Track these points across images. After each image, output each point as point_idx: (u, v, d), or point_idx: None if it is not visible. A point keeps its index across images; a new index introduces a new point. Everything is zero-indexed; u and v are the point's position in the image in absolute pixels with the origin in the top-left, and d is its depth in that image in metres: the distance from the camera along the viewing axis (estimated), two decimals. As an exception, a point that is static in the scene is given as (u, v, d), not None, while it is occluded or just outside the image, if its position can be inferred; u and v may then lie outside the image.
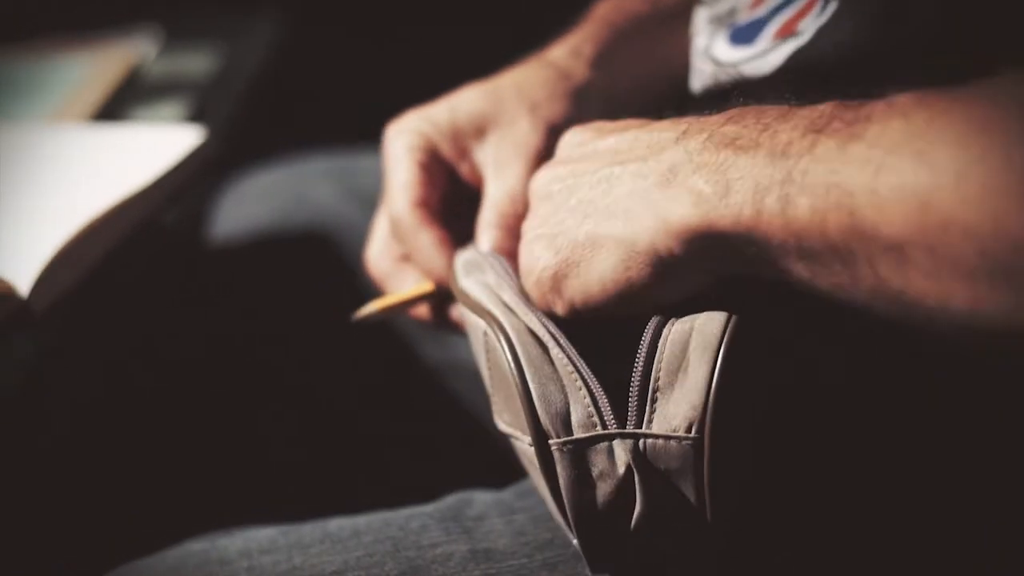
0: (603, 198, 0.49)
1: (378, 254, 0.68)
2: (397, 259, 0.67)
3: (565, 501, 0.47)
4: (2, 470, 0.68)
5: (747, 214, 0.42)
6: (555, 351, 0.48)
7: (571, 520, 0.48)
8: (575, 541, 0.49)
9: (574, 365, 0.48)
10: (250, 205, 0.89)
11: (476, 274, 0.57)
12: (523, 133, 0.65)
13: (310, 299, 0.84)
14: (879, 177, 0.38)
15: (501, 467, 0.80)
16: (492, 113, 0.66)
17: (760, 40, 0.59)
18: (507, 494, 0.61)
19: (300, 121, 1.23)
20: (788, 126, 0.43)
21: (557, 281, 0.51)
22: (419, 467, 0.83)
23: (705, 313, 0.47)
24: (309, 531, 0.59)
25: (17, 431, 0.69)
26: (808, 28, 0.56)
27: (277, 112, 1.11)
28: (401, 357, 0.83)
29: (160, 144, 0.79)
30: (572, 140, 0.57)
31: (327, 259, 0.85)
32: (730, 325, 0.46)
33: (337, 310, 0.83)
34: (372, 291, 0.83)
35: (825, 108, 0.42)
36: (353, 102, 1.32)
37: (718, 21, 0.64)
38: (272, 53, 1.07)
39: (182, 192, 0.79)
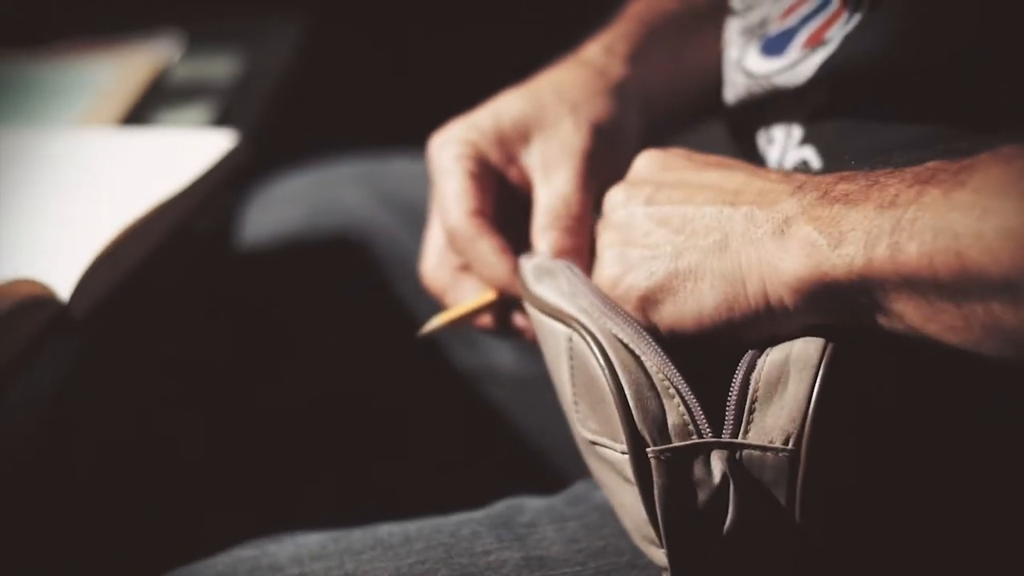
0: (711, 234, 0.50)
1: (434, 267, 0.68)
2: (454, 270, 0.67)
3: (658, 509, 0.47)
4: (42, 477, 0.67)
5: (859, 263, 0.44)
6: (646, 359, 0.49)
7: (662, 528, 0.48)
8: (663, 551, 0.48)
9: (665, 373, 0.48)
10: (279, 210, 0.89)
11: (548, 280, 0.57)
12: (567, 134, 0.65)
13: (344, 304, 0.84)
14: (984, 220, 0.40)
15: (543, 473, 0.80)
16: (535, 116, 0.66)
17: (790, 50, 0.59)
18: (557, 501, 0.61)
19: (322, 125, 1.22)
20: (895, 180, 0.44)
21: (645, 303, 0.52)
22: (461, 473, 0.82)
23: (802, 339, 0.47)
24: (360, 537, 0.58)
25: (56, 435, 0.69)
26: (836, 36, 0.56)
27: (299, 116, 1.10)
28: (435, 363, 0.82)
29: (194, 148, 0.79)
30: (656, 162, 0.57)
31: (360, 264, 0.84)
32: (829, 346, 0.47)
33: (371, 315, 0.84)
34: (407, 294, 0.83)
35: (930, 164, 0.44)
36: (375, 105, 1.32)
37: (750, 32, 0.64)
38: (294, 57, 1.07)
39: (214, 197, 0.79)
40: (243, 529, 0.65)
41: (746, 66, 0.62)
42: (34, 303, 0.64)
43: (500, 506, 0.61)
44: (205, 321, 0.85)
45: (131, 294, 0.72)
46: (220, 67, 1.03)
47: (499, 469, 0.82)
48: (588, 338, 0.50)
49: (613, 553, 0.57)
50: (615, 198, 0.56)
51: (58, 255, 0.67)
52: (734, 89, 0.64)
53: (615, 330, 0.50)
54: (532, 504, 0.60)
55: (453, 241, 0.64)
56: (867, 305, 0.45)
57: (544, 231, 0.63)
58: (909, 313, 0.43)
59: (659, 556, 0.50)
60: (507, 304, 0.65)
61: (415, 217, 0.86)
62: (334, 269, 0.85)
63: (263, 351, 0.84)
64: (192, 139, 0.82)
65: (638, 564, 0.56)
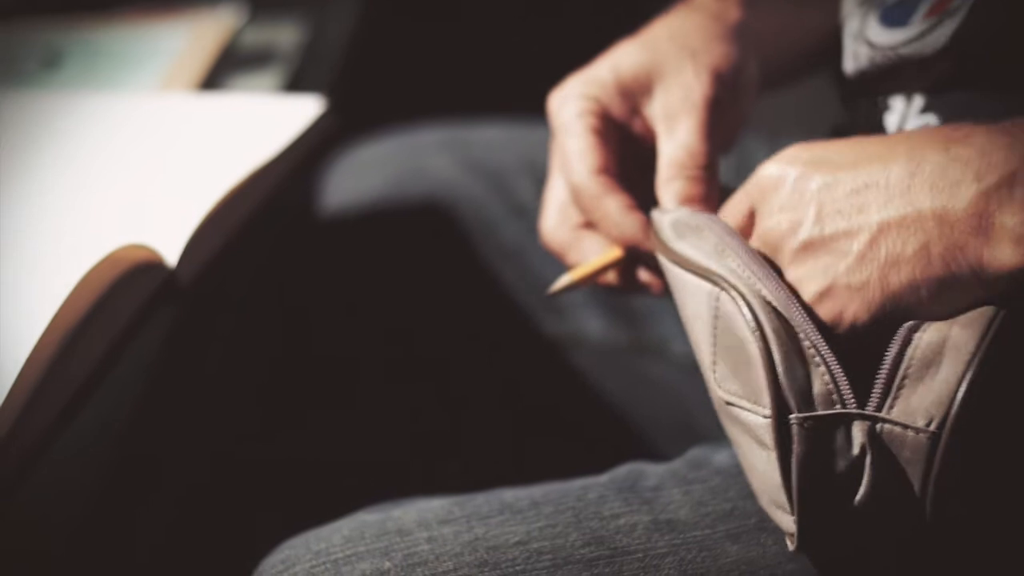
0: (907, 233, 0.48)
1: (555, 225, 0.66)
2: (575, 227, 0.65)
3: (794, 476, 0.47)
4: (158, 442, 0.68)
5: None
6: (794, 325, 0.49)
7: (795, 495, 0.48)
8: (791, 517, 0.49)
9: (812, 340, 0.48)
10: (362, 177, 0.89)
11: (692, 236, 0.56)
12: (688, 83, 0.63)
13: (429, 272, 0.84)
14: None
15: (632, 440, 0.80)
16: (654, 66, 0.64)
17: (915, 20, 0.58)
18: (679, 465, 0.61)
19: (400, 91, 1.22)
20: None
21: (877, 318, 0.49)
22: (548, 439, 0.82)
23: (964, 317, 0.47)
24: (484, 502, 0.58)
25: (165, 398, 0.69)
26: (962, 6, 0.56)
27: (373, 82, 1.09)
28: (522, 330, 0.82)
29: (284, 114, 0.78)
30: (802, 151, 0.54)
31: (445, 231, 0.84)
32: (990, 332, 0.46)
33: (457, 282, 0.84)
34: (493, 260, 0.83)
35: None
36: (450, 71, 1.31)
37: (867, 2, 0.63)
38: (360, 22, 1.06)
39: (306, 162, 0.79)
40: (353, 494, 0.65)
41: (868, 37, 0.61)
42: (144, 268, 0.64)
43: (622, 470, 0.61)
44: (293, 290, 0.85)
45: (227, 262, 0.72)
46: (285, 33, 1.02)
47: (586, 436, 0.83)
48: (739, 300, 0.50)
49: (741, 516, 0.57)
50: (763, 180, 0.54)
51: (163, 219, 0.67)
52: (856, 60, 0.63)
53: (764, 293, 0.50)
54: (653, 469, 0.61)
55: (578, 200, 0.63)
56: None
57: (669, 182, 0.61)
58: None
59: (786, 521, 0.50)
60: (633, 260, 0.64)
61: (500, 184, 0.85)
62: (419, 236, 0.85)
63: (348, 318, 0.84)
64: (281, 105, 0.81)
65: (767, 527, 0.56)
